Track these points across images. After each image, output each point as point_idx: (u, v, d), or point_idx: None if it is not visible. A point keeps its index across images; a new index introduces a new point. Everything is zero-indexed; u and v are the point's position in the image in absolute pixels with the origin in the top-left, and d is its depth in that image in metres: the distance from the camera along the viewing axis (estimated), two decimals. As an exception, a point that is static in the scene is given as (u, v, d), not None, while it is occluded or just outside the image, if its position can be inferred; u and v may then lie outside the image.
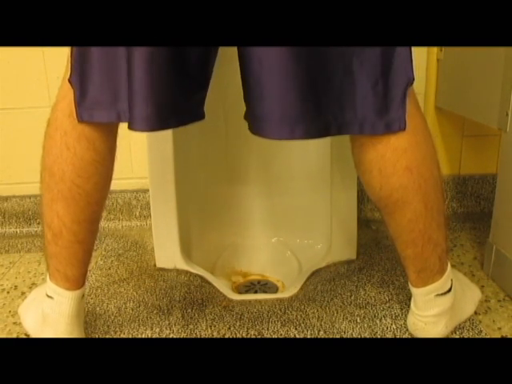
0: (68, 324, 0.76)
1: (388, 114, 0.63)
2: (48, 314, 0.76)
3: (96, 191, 0.71)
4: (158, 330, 0.87)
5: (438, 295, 0.76)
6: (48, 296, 0.76)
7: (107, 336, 0.85)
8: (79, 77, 0.65)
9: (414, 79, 0.64)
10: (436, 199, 0.70)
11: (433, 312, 0.77)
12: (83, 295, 0.78)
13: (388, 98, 0.63)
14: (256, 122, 0.65)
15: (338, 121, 0.63)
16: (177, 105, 0.65)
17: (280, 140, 0.64)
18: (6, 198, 1.34)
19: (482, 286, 0.98)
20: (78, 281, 0.75)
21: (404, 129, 0.64)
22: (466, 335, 0.83)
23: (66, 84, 0.68)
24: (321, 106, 0.62)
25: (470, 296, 0.85)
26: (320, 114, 0.62)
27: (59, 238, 0.72)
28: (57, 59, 1.23)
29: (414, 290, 0.78)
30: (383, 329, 0.85)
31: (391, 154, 0.66)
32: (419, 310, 0.79)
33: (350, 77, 0.61)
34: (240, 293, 1.04)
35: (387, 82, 0.62)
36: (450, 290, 0.77)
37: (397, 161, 0.66)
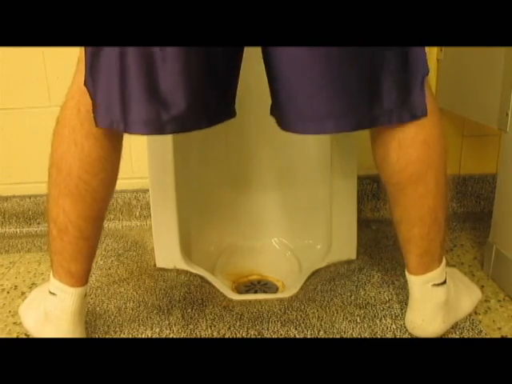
0: (70, 322, 0.76)
1: (411, 104, 0.68)
2: (50, 311, 0.76)
3: (102, 188, 0.72)
4: (158, 330, 0.87)
5: (434, 285, 0.77)
6: (51, 293, 0.76)
7: (107, 336, 0.86)
8: (105, 83, 0.65)
9: (428, 70, 0.68)
10: (444, 179, 0.74)
11: (429, 304, 0.78)
12: (86, 294, 0.78)
13: (409, 89, 0.67)
14: (286, 119, 0.69)
15: (368, 115, 0.67)
16: (208, 105, 0.68)
17: (310, 134, 0.70)
18: (6, 198, 1.34)
19: (482, 286, 0.98)
20: (81, 277, 0.76)
21: (426, 114, 0.69)
22: (465, 335, 0.83)
23: (74, 84, 0.69)
24: (350, 102, 0.66)
25: (468, 293, 0.86)
26: (350, 110, 0.66)
27: (64, 234, 0.72)
28: (57, 59, 1.23)
29: (413, 279, 0.78)
30: (383, 329, 0.85)
31: (411, 127, 0.69)
32: (416, 302, 0.79)
33: (375, 74, 0.65)
34: (240, 293, 1.04)
35: (407, 75, 0.67)
36: (444, 281, 0.78)
37: (416, 133, 0.70)
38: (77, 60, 0.69)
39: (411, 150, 0.70)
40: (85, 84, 0.66)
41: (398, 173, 0.72)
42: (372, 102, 0.66)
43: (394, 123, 0.69)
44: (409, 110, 0.68)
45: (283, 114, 0.69)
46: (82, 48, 0.68)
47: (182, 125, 0.67)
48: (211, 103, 0.68)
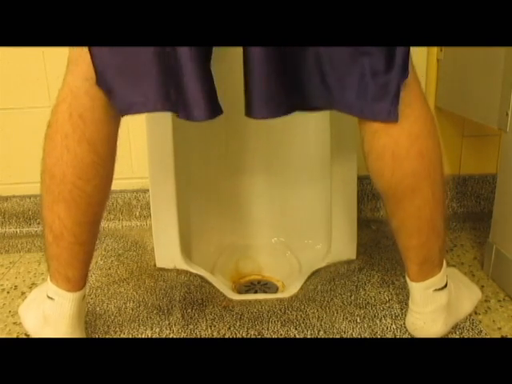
0: (69, 325, 0.76)
1: (382, 104, 0.66)
2: (49, 315, 0.76)
3: (97, 193, 0.71)
4: (157, 330, 0.87)
5: (435, 290, 0.77)
6: (49, 297, 0.76)
7: (107, 336, 0.85)
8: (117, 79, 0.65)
9: (408, 74, 0.66)
10: (441, 189, 0.73)
11: (431, 308, 0.78)
12: (84, 296, 0.78)
13: (385, 89, 0.65)
14: (251, 105, 0.68)
15: (336, 99, 0.67)
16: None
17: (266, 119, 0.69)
18: (6, 198, 1.34)
19: (482, 286, 0.98)
20: (78, 282, 0.75)
21: (395, 120, 0.67)
22: (465, 335, 0.83)
23: (65, 86, 0.68)
24: (324, 83, 0.66)
25: (468, 294, 0.86)
26: (323, 89, 0.66)
27: (60, 240, 0.72)
28: (57, 59, 1.23)
29: (414, 285, 0.78)
30: (383, 329, 0.85)
31: (405, 139, 0.68)
32: (417, 306, 0.79)
33: (357, 64, 0.64)
34: (240, 293, 1.04)
35: (388, 75, 0.65)
36: (446, 285, 0.78)
37: (410, 146, 0.68)
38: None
39: (406, 162, 0.69)
40: (98, 83, 0.66)
41: (394, 186, 0.71)
42: (345, 89, 0.66)
43: (355, 115, 0.68)
44: (377, 109, 0.66)
45: (250, 101, 0.68)
46: (73, 49, 0.67)
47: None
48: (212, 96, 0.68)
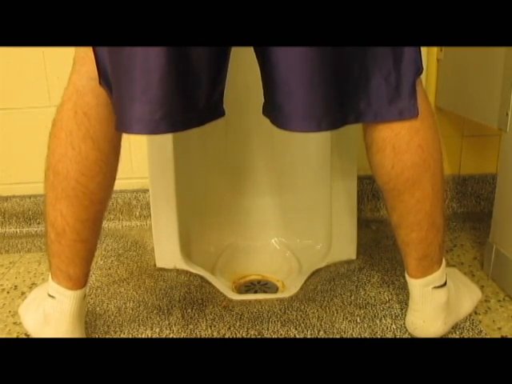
0: (69, 324, 0.76)
1: (400, 102, 0.67)
2: (50, 313, 0.76)
3: (100, 190, 0.72)
4: (158, 330, 0.87)
5: (435, 287, 0.77)
6: (50, 295, 0.76)
7: (107, 336, 0.86)
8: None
9: (422, 69, 0.67)
10: (441, 182, 0.73)
11: (430, 306, 0.78)
12: (85, 295, 0.78)
13: (400, 87, 0.67)
14: (283, 118, 0.68)
15: (355, 111, 0.67)
16: (196, 104, 0.67)
17: (308, 133, 0.68)
18: (6, 198, 1.34)
19: (482, 286, 0.98)
20: (80, 280, 0.76)
21: (416, 115, 0.68)
22: (465, 335, 0.83)
23: (71, 85, 0.69)
24: (342, 99, 0.66)
25: (468, 293, 0.86)
26: (341, 106, 0.66)
27: (62, 237, 0.72)
28: (57, 59, 1.23)
29: (413, 282, 0.78)
30: (383, 329, 0.85)
31: (406, 132, 0.69)
32: (416, 304, 0.79)
33: (365, 70, 0.65)
34: (240, 293, 1.04)
35: (399, 73, 0.66)
36: (445, 283, 0.78)
37: (410, 138, 0.69)
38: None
39: (406, 155, 0.69)
40: (100, 83, 0.66)
41: (394, 179, 0.71)
42: (359, 98, 0.66)
43: (380, 121, 0.68)
44: (397, 108, 0.67)
45: (279, 113, 0.68)
46: (79, 49, 0.68)
47: (172, 124, 0.65)
48: (200, 103, 0.67)
